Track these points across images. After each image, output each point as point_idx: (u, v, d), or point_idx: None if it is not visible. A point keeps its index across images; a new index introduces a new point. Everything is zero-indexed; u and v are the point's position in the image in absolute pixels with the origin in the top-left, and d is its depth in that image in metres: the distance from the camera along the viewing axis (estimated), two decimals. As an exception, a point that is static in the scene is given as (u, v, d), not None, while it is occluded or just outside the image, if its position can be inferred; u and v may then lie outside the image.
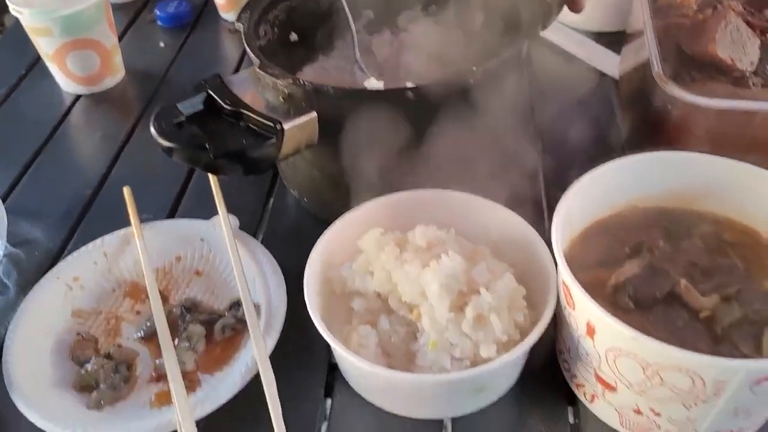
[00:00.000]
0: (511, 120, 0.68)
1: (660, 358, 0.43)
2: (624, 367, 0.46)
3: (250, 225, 0.71)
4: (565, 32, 0.93)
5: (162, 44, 1.01)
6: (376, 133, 0.59)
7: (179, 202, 0.75)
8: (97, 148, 0.84)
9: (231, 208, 0.68)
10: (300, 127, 0.58)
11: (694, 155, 0.55)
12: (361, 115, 0.58)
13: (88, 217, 0.74)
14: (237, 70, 0.96)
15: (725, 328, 0.48)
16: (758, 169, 0.54)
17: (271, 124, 0.56)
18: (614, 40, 0.89)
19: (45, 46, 0.87)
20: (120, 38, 1.02)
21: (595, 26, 0.94)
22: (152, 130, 0.57)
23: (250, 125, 0.57)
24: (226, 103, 0.58)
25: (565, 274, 0.47)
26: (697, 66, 0.64)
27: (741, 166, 0.54)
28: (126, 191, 0.69)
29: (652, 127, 0.67)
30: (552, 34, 0.93)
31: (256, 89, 0.61)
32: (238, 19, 0.67)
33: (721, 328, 0.48)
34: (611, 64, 0.88)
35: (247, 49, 0.64)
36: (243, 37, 0.66)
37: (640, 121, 0.70)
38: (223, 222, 0.66)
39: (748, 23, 0.69)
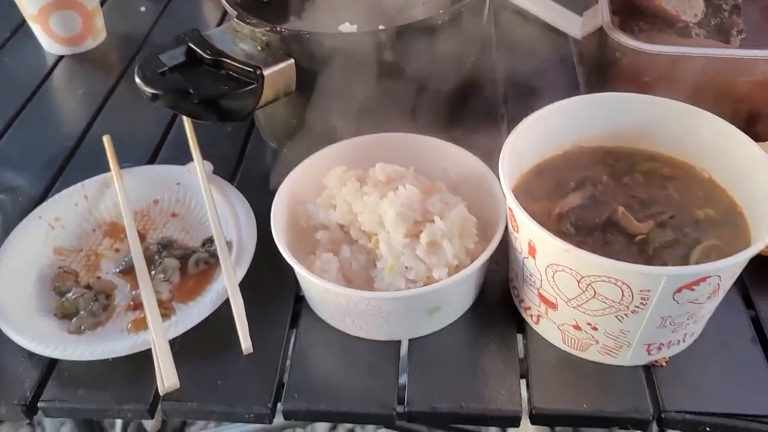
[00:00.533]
0: (477, 66, 0.72)
1: (591, 270, 0.47)
2: (561, 281, 0.50)
3: (226, 171, 0.74)
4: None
5: (143, 8, 1.04)
6: (350, 77, 0.63)
7: (158, 152, 0.79)
8: (79, 104, 0.87)
9: (208, 156, 0.72)
10: (278, 72, 0.61)
11: (634, 96, 0.59)
12: (336, 60, 0.62)
13: (70, 166, 0.78)
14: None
15: (656, 248, 0.52)
16: (694, 108, 0.58)
17: (251, 70, 0.60)
18: (576, 4, 0.93)
19: (28, 7, 0.90)
20: (102, 2, 1.05)
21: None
22: (137, 78, 0.60)
23: (231, 72, 0.61)
24: (206, 54, 0.61)
25: (509, 199, 0.51)
26: (645, 18, 0.68)
27: (678, 105, 0.58)
28: (106, 139, 0.73)
29: (604, 76, 0.70)
30: (520, -2, 0.96)
31: (234, 41, 0.64)
32: None
33: (652, 248, 0.52)
34: (575, 25, 0.91)
35: (224, 2, 0.67)
36: None
37: (596, 71, 0.74)
38: (198, 166, 0.69)
39: (697, -20, 0.73)
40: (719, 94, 0.64)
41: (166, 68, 0.60)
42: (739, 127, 0.56)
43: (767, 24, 0.70)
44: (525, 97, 0.79)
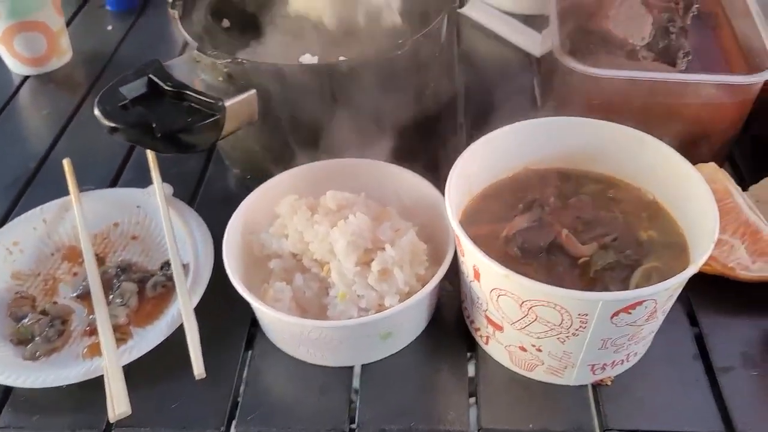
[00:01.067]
0: (437, 91, 0.73)
1: (530, 294, 0.48)
2: (505, 305, 0.51)
3: (186, 191, 0.75)
4: (494, 14, 0.98)
5: (110, 27, 1.05)
6: (312, 105, 0.63)
7: (121, 172, 0.79)
8: (43, 125, 0.88)
9: (169, 178, 0.72)
10: (241, 103, 0.61)
11: (581, 120, 0.60)
12: (297, 89, 0.63)
13: (31, 188, 0.78)
14: (183, 51, 1.00)
15: (598, 271, 0.53)
16: (639, 133, 0.59)
17: (213, 102, 0.59)
18: (540, 23, 0.94)
19: (-8, 28, 0.90)
20: (69, 22, 1.05)
21: (524, 9, 1.00)
22: (96, 112, 0.59)
23: (193, 104, 0.60)
24: (167, 85, 0.61)
25: (453, 225, 0.52)
26: (595, 41, 0.69)
27: (624, 130, 0.59)
28: (66, 162, 0.73)
29: (558, 97, 0.72)
30: (482, 15, 0.98)
31: (195, 72, 0.64)
32: (172, 6, 0.70)
33: (594, 271, 0.53)
34: (534, 43, 0.93)
35: (184, 33, 0.67)
36: (178, 23, 0.69)
37: (551, 91, 0.75)
38: (157, 189, 0.70)
39: (647, 2, 0.74)
40: (666, 115, 0.66)
41: (127, 101, 0.60)
42: (686, 148, 0.58)
43: (713, 45, 0.72)
44: (485, 117, 0.81)
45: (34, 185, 0.78)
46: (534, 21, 0.97)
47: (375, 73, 0.63)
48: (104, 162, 0.80)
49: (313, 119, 0.66)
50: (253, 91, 0.62)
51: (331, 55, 0.76)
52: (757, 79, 0.62)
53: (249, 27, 0.79)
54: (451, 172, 0.56)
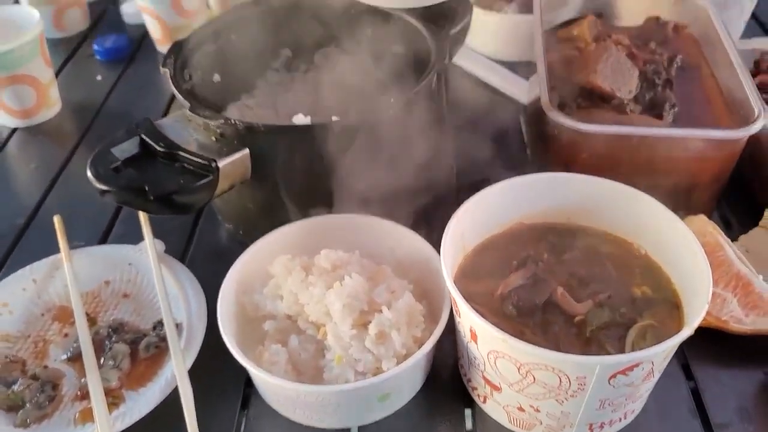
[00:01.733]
0: (429, 145, 0.73)
1: (528, 358, 0.48)
2: (503, 367, 0.51)
3: (178, 247, 0.75)
4: (481, 62, 1.00)
5: (99, 77, 1.05)
6: (304, 164, 0.64)
7: (111, 227, 0.79)
8: (31, 179, 0.87)
9: (161, 233, 0.72)
10: (233, 163, 0.61)
11: (572, 176, 0.61)
12: (291, 149, 0.63)
13: (20, 245, 0.77)
14: (173, 100, 1.00)
15: (594, 330, 0.53)
16: (628, 188, 0.60)
17: (206, 163, 0.60)
18: (527, 70, 0.96)
19: (-19, 82, 0.90)
20: (58, 72, 1.06)
21: (511, 56, 1.01)
22: (89, 175, 0.59)
23: (186, 165, 0.61)
24: (159, 146, 0.61)
25: (450, 287, 0.53)
26: (583, 94, 0.70)
27: (613, 185, 0.60)
28: (56, 219, 0.73)
29: (547, 149, 0.73)
30: (470, 63, 0.99)
31: (187, 130, 0.64)
32: (164, 64, 0.71)
33: (590, 330, 0.53)
34: (522, 90, 0.94)
35: (176, 92, 0.67)
36: (170, 81, 0.69)
37: (540, 143, 0.76)
38: (149, 247, 0.69)
39: (632, 55, 0.76)
40: (654, 168, 0.67)
41: (119, 162, 0.60)
42: (675, 199, 0.59)
43: (698, 96, 0.73)
44: (477, 168, 0.82)
45: (23, 242, 0.78)
46: (520, 67, 0.98)
47: (367, 131, 0.63)
48: (94, 217, 0.80)
49: (305, 176, 0.66)
50: (246, 151, 0.62)
51: (322, 110, 0.76)
52: (744, 133, 0.63)
53: (239, 81, 0.80)
54: (445, 233, 0.56)
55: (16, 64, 0.89)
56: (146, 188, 0.58)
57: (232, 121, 0.62)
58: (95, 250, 0.72)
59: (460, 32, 0.75)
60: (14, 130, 0.95)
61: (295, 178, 0.65)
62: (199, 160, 0.60)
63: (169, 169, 0.61)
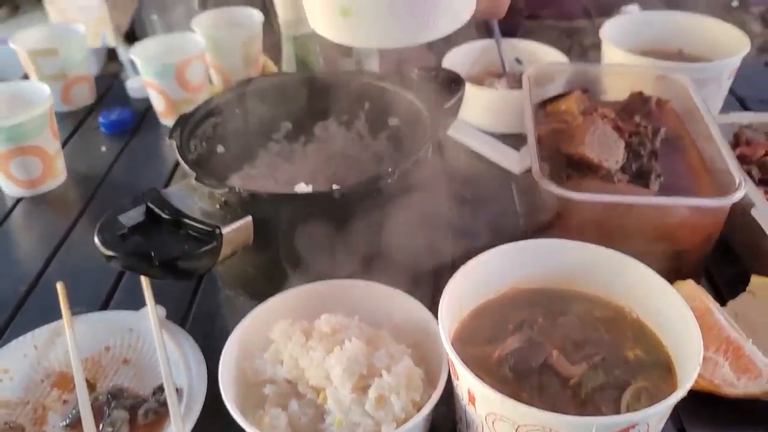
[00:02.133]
0: (425, 212, 0.76)
1: (526, 419, 0.49)
2: (501, 430, 0.52)
3: (178, 311, 0.76)
4: (474, 134, 1.03)
5: (104, 148, 1.08)
6: (306, 230, 0.66)
7: (113, 294, 0.80)
8: (34, 247, 0.89)
9: (162, 298, 0.73)
10: (237, 230, 0.64)
11: (564, 242, 0.63)
12: (292, 216, 0.66)
13: (23, 311, 0.78)
14: (176, 167, 1.03)
15: (588, 392, 0.54)
16: (619, 254, 0.62)
17: (210, 230, 0.62)
18: (517, 141, 1.00)
19: (-11, 153, 0.93)
20: (65, 143, 1.09)
21: (502, 129, 1.05)
22: (96, 241, 0.61)
23: (190, 232, 0.63)
24: (165, 213, 0.64)
25: (447, 348, 0.54)
26: (572, 165, 0.74)
27: (604, 252, 0.62)
28: (59, 286, 0.74)
29: (539, 216, 0.75)
30: (463, 135, 1.03)
31: (192, 198, 0.66)
32: (171, 136, 0.74)
33: (585, 392, 0.54)
34: (513, 161, 0.98)
35: (182, 163, 0.70)
36: (177, 152, 0.72)
37: (532, 211, 0.79)
38: (151, 314, 0.70)
39: (618, 127, 0.80)
40: (644, 235, 0.69)
41: (125, 230, 0.62)
42: (663, 265, 0.61)
43: (682, 166, 0.77)
44: (470, 235, 0.84)
45: (25, 308, 0.79)
46: (511, 139, 1.02)
47: (366, 199, 0.66)
48: (96, 284, 0.81)
49: (306, 243, 0.68)
50: (248, 218, 0.64)
51: (321, 180, 0.79)
52: (726, 202, 0.66)
53: (242, 151, 0.83)
54: (441, 298, 0.58)
55: (26, 136, 0.92)
56: (152, 254, 0.60)
57: (237, 190, 0.64)
58: (96, 316, 0.73)
59: (454, 106, 0.79)
60: (19, 200, 0.97)
61: (295, 244, 0.67)
62: (203, 227, 0.62)
63: (174, 236, 0.63)
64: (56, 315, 0.72)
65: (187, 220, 0.63)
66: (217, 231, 0.62)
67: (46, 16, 2.56)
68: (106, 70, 3.22)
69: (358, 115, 0.84)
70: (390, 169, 0.67)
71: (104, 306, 0.78)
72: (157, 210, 0.64)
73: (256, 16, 1.17)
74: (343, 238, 0.66)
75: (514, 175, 0.96)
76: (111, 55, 2.87)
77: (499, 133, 1.04)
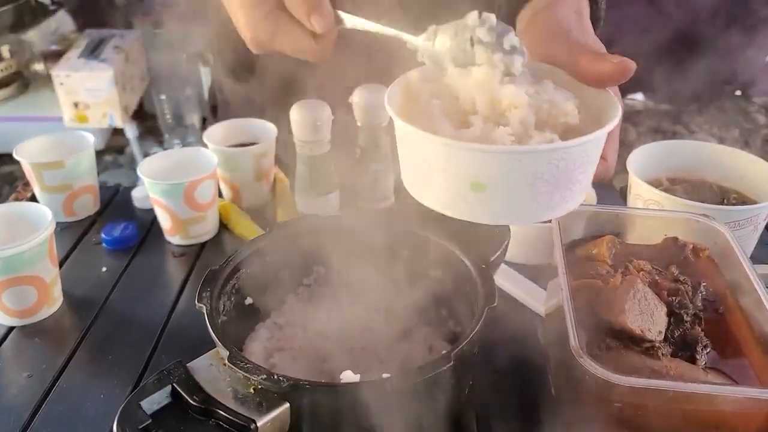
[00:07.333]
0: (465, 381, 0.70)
1: None
2: None
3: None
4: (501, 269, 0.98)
5: (104, 269, 1.02)
6: (349, 420, 0.60)
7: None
8: (23, 391, 0.81)
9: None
10: (273, 420, 0.58)
11: None
12: (335, 406, 0.60)
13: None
14: (181, 292, 0.97)
15: None
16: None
17: (245, 424, 0.56)
18: (539, 271, 0.94)
19: (-19, 285, 0.87)
20: (63, 261, 1.04)
21: (528, 260, 1.00)
22: None
23: (221, 423, 0.57)
24: (194, 400, 0.58)
25: None
26: (611, 334, 0.68)
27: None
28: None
29: (575, 390, 0.69)
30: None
31: (223, 377, 0.61)
32: (200, 300, 0.68)
33: None
34: (538, 300, 0.92)
35: (215, 339, 0.64)
36: (207, 320, 0.66)
37: (567, 383, 0.72)
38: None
39: (656, 283, 0.74)
40: (689, 420, 0.63)
41: (149, 421, 0.56)
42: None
43: (727, 333, 0.71)
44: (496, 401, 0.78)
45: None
46: (532, 269, 0.97)
47: (416, 386, 0.61)
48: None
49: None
50: (286, 405, 0.59)
51: (353, 331, 0.73)
52: (790, 394, 0.60)
53: (270, 299, 0.79)
54: None
55: (23, 266, 0.86)
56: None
57: (275, 377, 0.59)
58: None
59: (499, 257, 0.74)
60: (11, 330, 0.90)
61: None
62: (237, 420, 0.56)
63: (204, 427, 0.57)
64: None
65: (218, 411, 0.57)
66: (253, 426, 0.56)
67: (54, 96, 2.55)
68: (111, 143, 3.23)
69: (397, 263, 0.79)
70: (445, 353, 0.62)
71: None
72: (184, 394, 0.58)
73: (270, 129, 1.14)
74: (389, 427, 0.60)
75: (539, 317, 0.90)
76: (116, 129, 2.87)
77: (521, 264, 0.99)
